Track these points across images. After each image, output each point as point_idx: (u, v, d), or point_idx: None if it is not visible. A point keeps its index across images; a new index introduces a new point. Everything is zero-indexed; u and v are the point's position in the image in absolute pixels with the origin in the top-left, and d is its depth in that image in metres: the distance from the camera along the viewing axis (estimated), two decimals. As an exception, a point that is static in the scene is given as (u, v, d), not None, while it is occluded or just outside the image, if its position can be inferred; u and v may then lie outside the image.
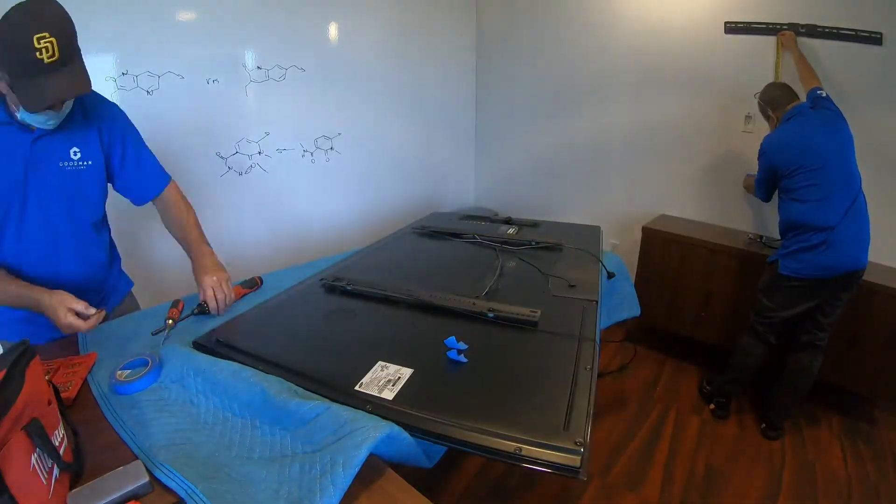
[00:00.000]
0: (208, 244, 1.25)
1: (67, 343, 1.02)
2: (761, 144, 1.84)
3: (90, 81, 0.91)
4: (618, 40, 2.59)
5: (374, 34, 2.64)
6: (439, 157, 3.27)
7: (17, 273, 1.04)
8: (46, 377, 0.72)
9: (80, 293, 1.00)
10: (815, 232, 1.69)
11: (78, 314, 0.95)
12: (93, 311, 0.97)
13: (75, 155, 1.05)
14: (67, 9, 0.86)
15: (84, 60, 0.91)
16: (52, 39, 0.82)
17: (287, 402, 0.74)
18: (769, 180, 1.85)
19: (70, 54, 0.86)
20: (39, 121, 0.94)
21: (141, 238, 2.02)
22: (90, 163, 1.08)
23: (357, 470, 0.63)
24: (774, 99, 1.85)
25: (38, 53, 0.81)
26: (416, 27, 2.83)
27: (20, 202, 1.00)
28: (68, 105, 0.97)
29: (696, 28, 2.33)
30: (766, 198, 1.95)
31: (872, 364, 1.92)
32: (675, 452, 1.85)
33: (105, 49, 1.78)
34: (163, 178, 1.23)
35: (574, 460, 0.66)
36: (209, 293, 1.13)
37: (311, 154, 2.53)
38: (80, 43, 0.89)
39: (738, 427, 2.00)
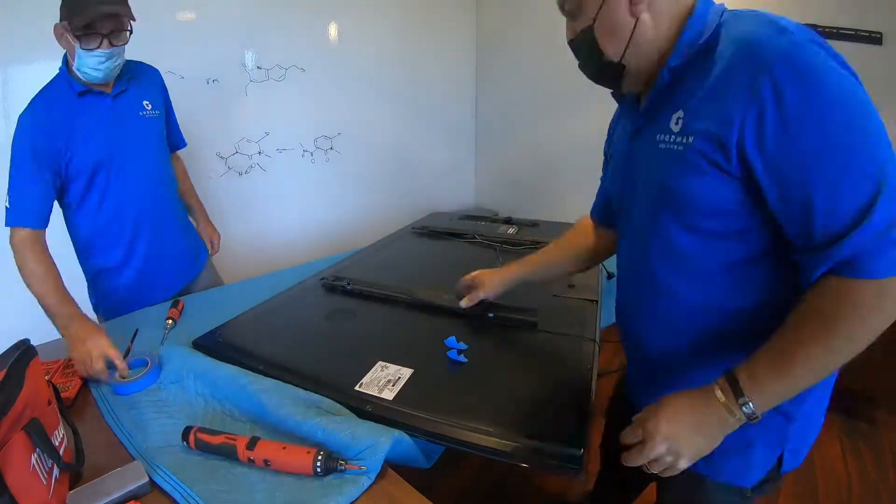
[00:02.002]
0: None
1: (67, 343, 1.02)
2: None
3: (130, 9, 1.05)
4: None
5: (374, 34, 2.64)
6: (439, 157, 3.26)
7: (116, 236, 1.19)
8: (46, 377, 0.72)
9: (176, 254, 1.30)
10: None
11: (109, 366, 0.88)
12: (122, 364, 0.88)
13: (147, 106, 1.22)
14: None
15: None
16: None
17: (285, 419, 0.73)
18: None
19: None
20: (93, 64, 1.03)
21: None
22: (159, 112, 1.26)
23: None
24: None
25: None
26: (415, 27, 2.83)
27: (109, 163, 1.13)
28: (118, 57, 1.06)
29: (696, 28, 2.33)
30: None
31: (872, 364, 1.92)
32: (675, 452, 1.84)
33: (105, 49, 1.77)
34: (181, 138, 1.45)
35: (574, 460, 0.66)
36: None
37: (311, 154, 2.53)
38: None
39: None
